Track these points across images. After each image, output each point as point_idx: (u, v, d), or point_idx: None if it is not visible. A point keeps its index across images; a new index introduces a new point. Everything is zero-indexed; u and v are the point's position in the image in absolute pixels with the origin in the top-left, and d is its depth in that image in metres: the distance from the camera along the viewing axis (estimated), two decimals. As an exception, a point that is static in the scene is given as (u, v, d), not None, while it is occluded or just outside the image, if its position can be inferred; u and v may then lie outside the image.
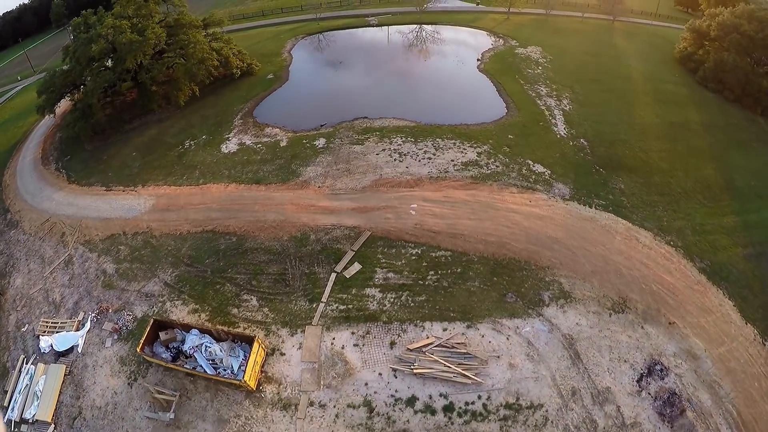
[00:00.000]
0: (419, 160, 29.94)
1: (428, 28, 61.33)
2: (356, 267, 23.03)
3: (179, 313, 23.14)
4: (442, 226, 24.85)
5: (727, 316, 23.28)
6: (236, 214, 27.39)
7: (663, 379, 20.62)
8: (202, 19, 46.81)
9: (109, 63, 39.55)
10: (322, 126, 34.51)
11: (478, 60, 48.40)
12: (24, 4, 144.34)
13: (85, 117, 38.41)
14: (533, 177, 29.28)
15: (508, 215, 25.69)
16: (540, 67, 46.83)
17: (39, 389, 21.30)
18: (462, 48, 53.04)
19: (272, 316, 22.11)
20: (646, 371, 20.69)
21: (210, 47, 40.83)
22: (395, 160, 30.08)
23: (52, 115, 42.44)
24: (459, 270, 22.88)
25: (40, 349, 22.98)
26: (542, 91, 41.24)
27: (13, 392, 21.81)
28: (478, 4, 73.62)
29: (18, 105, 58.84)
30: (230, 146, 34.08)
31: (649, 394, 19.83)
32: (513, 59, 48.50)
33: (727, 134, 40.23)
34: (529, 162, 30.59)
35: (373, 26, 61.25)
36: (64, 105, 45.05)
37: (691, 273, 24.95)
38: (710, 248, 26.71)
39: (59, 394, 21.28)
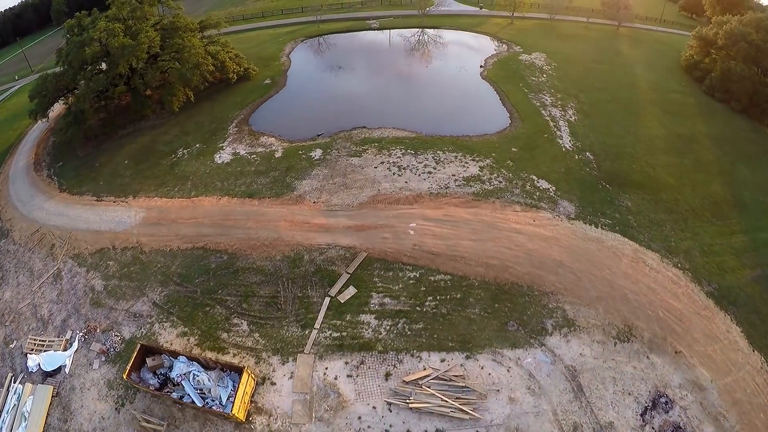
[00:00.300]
0: (419, 175, 28.90)
1: (430, 32, 60.12)
2: (351, 291, 22.04)
3: (167, 335, 22.21)
4: (441, 247, 23.84)
5: (734, 343, 22.32)
6: (228, 230, 26.41)
7: (668, 412, 19.70)
8: (198, 21, 45.68)
9: (104, 66, 38.53)
10: (319, 136, 33.45)
11: (481, 66, 47.25)
12: (25, 1, 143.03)
13: (77, 122, 37.39)
14: (537, 194, 28.24)
15: (511, 236, 24.66)
16: (544, 75, 45.67)
17: (27, 410, 20.61)
18: (465, 53, 51.84)
19: (263, 342, 21.14)
20: (650, 404, 19.76)
21: (205, 51, 39.73)
22: (394, 174, 29.03)
23: (45, 120, 41.46)
24: (459, 296, 21.88)
25: (27, 367, 22.30)
26: (547, 100, 40.11)
27: (0, 411, 21.12)
28: (481, 8, 72.28)
29: (14, 106, 57.77)
30: (224, 156, 33.04)
31: (653, 428, 18.94)
32: (517, 66, 47.32)
33: (734, 146, 39.14)
34: (533, 177, 29.53)
35: (374, 29, 60.06)
36: (58, 108, 44.13)
37: (699, 297, 23.99)
38: (718, 270, 25.74)
39: (47, 416, 20.53)
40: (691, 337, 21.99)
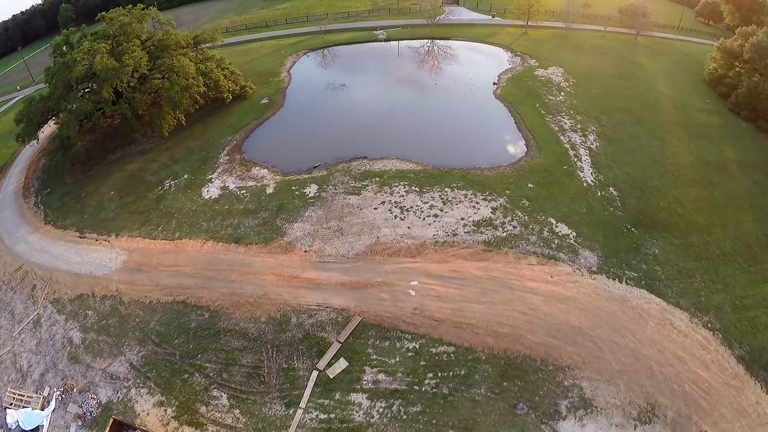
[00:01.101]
0: (423, 218, 26.03)
1: (440, 43, 56.75)
2: (342, 364, 19.35)
3: (144, 404, 19.96)
4: (446, 311, 20.94)
5: (763, 416, 19.38)
6: (211, 282, 23.89)
7: None
8: (193, 36, 43.27)
9: (94, 86, 36.43)
10: (315, 167, 30.74)
11: (494, 83, 43.71)
12: (35, 6, 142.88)
13: (63, 148, 35.34)
14: (556, 241, 25.11)
15: (525, 297, 21.69)
16: (562, 93, 42.25)
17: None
18: (477, 68, 48.26)
19: (243, 420, 18.63)
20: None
21: (197, 71, 37.17)
22: (396, 217, 26.23)
23: (35, 141, 39.67)
24: (463, 372, 19.03)
25: (7, 423, 21.26)
26: (566, 123, 36.80)
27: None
28: (494, 17, 68.61)
29: (10, 120, 56.15)
30: (212, 190, 30.57)
31: None
32: (533, 83, 43.89)
33: (765, 174, 35.38)
34: (552, 221, 26.44)
35: (381, 41, 57.04)
36: (49, 128, 42.39)
37: (729, 364, 20.89)
38: (750, 329, 22.52)
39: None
40: (718, 413, 19.04)
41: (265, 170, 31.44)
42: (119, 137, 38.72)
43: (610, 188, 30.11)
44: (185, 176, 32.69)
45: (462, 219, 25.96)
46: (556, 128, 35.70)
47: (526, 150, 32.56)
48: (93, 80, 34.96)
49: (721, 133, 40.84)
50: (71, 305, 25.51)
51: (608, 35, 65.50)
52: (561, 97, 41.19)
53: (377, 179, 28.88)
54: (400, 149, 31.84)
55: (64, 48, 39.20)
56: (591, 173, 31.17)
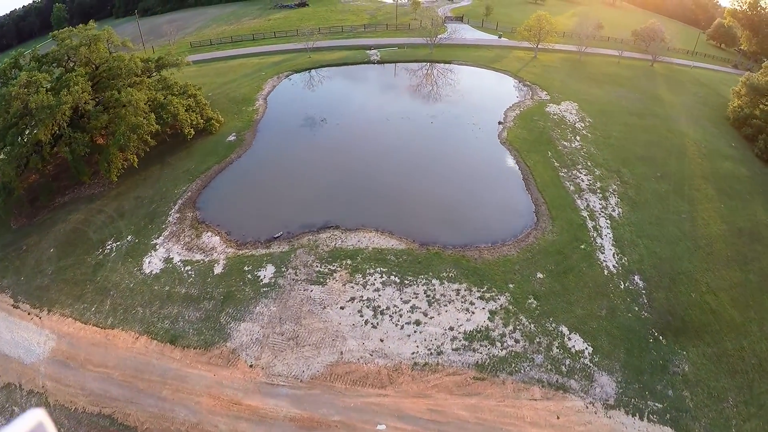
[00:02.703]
0: (402, 326, 19.75)
1: (440, 67, 50.21)
2: None
3: None
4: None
5: None
6: (140, 396, 17.80)
7: None
8: (156, 58, 36.93)
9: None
10: (276, 238, 24.44)
11: (500, 123, 37.14)
12: (31, 3, 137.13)
13: (6, 192, 29.32)
14: (568, 362, 18.87)
15: (528, 461, 15.64)
16: (578, 137, 35.85)
17: None
18: (480, 101, 41.65)
19: None
20: None
21: (152, 104, 30.99)
22: (367, 322, 19.94)
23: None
24: None
25: None
26: (583, 180, 30.44)
27: None
28: (500, 37, 62.11)
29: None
30: (154, 263, 24.29)
31: None
32: (544, 123, 37.44)
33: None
34: (564, 330, 20.20)
35: (374, 63, 50.55)
36: None
37: None
38: None
39: None
40: None
41: (217, 238, 25.11)
42: (71, 175, 32.55)
43: (635, 276, 23.91)
44: (129, 238, 26.53)
45: (451, 329, 19.69)
46: (571, 187, 29.35)
47: (535, 220, 26.16)
48: (31, 118, 28.69)
49: (750, 187, 35.06)
50: None
51: (623, 61, 59.11)
52: (576, 143, 34.80)
53: (349, 262, 22.55)
54: (380, 217, 25.35)
55: (9, 73, 32.78)
56: (613, 254, 24.91)
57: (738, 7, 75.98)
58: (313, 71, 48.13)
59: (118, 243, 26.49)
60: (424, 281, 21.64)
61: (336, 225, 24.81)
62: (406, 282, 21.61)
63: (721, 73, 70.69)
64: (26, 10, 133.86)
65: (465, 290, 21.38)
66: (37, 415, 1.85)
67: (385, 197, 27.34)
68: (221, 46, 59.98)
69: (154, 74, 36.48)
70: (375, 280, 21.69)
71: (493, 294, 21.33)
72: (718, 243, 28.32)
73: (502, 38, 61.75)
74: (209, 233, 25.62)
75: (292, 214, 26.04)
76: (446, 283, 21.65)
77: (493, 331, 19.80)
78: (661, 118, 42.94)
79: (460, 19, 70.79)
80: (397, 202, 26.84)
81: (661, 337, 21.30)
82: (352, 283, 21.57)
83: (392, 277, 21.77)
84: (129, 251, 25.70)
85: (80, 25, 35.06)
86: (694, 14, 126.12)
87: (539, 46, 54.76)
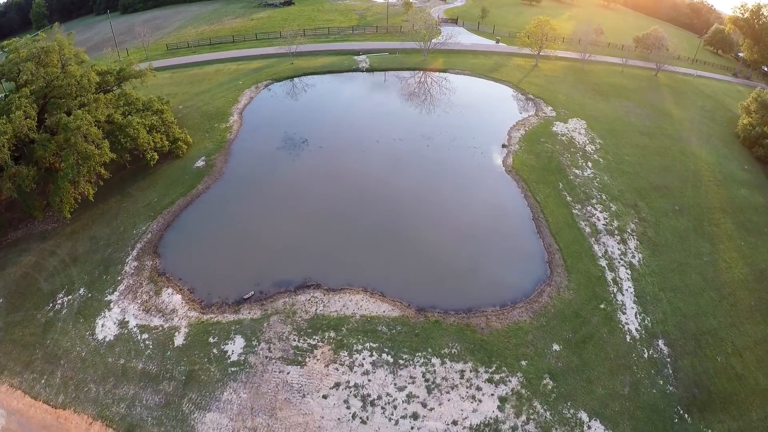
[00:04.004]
0: (396, 422, 16.08)
1: (435, 76, 46.09)
2: None
3: None
4: None
5: None
6: None
7: None
8: (117, 70, 32.06)
9: None
10: (246, 299, 20.53)
11: (504, 146, 33.24)
12: (10, 0, 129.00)
13: None
14: (594, 464, 15.79)
15: None
16: (590, 163, 32.38)
17: None
18: (481, 119, 37.66)
19: None
20: None
21: (106, 129, 26.47)
22: (354, 416, 16.25)
23: None
24: None
25: None
26: (599, 219, 26.98)
27: None
28: (498, 41, 58.12)
29: None
30: (108, 327, 20.11)
31: None
32: (552, 146, 33.75)
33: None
34: (583, 417, 16.87)
35: (363, 71, 46.18)
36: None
37: None
38: None
39: None
40: None
41: (179, 297, 21.03)
42: (22, 210, 27.97)
43: (659, 341, 20.94)
44: (81, 291, 22.34)
45: (455, 423, 16.18)
46: (587, 229, 25.92)
47: (549, 272, 22.65)
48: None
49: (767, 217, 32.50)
50: None
51: (627, 70, 55.86)
52: (589, 171, 31.37)
53: (332, 335, 18.77)
54: (369, 273, 21.43)
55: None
56: (636, 314, 21.75)
57: (739, 15, 73.13)
58: (295, 80, 43.48)
59: (70, 297, 22.33)
60: (422, 360, 18.03)
61: (316, 283, 20.90)
62: (401, 362, 17.96)
63: (723, 83, 68.30)
64: (6, 6, 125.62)
65: (470, 371, 17.86)
66: None
67: (374, 247, 23.26)
68: (199, 49, 54.73)
69: (115, 88, 31.72)
70: (364, 359, 18.00)
71: (504, 375, 17.86)
72: (741, 290, 25.95)
73: (500, 43, 57.80)
74: (170, 289, 21.52)
75: (265, 266, 22.02)
76: (448, 362, 18.08)
77: (504, 423, 16.37)
78: (672, 138, 39.88)
79: (454, 21, 66.49)
80: (388, 253, 22.81)
81: (686, 415, 18.66)
82: (336, 363, 17.84)
83: (384, 356, 18.10)
84: (81, 309, 21.59)
85: (26, 35, 30.07)
86: (689, 18, 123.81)
87: (540, 53, 51.04)
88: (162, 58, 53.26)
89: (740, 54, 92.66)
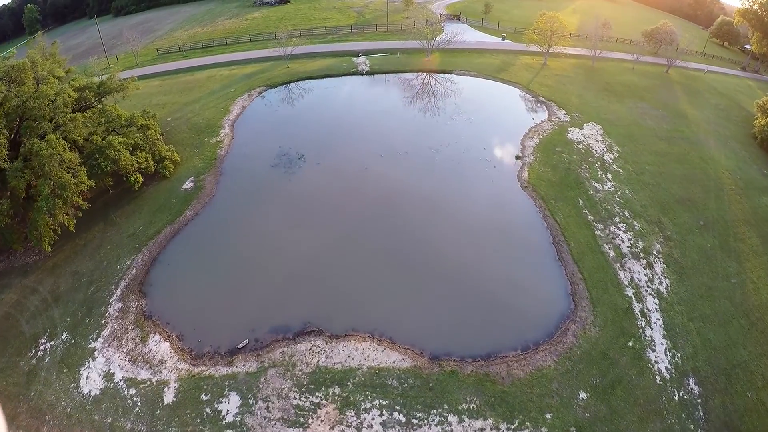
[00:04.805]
0: (412, 500, 14.39)
1: (440, 78, 43.46)
2: None
3: None
4: None
5: None
6: None
7: None
8: (97, 85, 29.52)
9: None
10: (240, 348, 18.40)
11: (517, 158, 30.69)
12: (5, 5, 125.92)
13: None
14: None
15: None
16: (609, 174, 30.06)
17: None
18: (491, 126, 35.08)
19: None
20: None
21: (82, 154, 24.08)
22: (364, 494, 14.51)
23: None
24: None
25: None
26: (623, 240, 24.75)
27: None
28: (504, 39, 55.24)
29: None
30: (93, 379, 17.97)
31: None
32: (569, 156, 31.34)
33: None
34: (623, 488, 15.14)
35: (363, 74, 43.55)
36: None
37: None
38: None
39: None
40: None
41: (167, 345, 18.93)
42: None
43: (690, 379, 19.09)
44: (64, 336, 20.30)
45: (480, 499, 14.24)
46: (612, 253, 23.75)
47: (572, 307, 20.54)
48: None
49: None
50: None
51: (637, 67, 53.18)
52: (609, 184, 29.09)
53: (337, 391, 16.71)
54: (375, 316, 19.23)
55: None
56: (665, 350, 19.88)
57: (749, 7, 70.05)
58: (291, 85, 40.84)
59: (53, 342, 20.31)
60: (438, 419, 16.00)
61: (318, 329, 18.76)
62: (414, 421, 15.93)
63: (733, 78, 65.71)
64: (0, 10, 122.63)
65: (491, 429, 15.85)
66: None
67: (380, 285, 20.93)
68: (191, 53, 51.89)
69: (96, 104, 29.24)
70: (373, 419, 15.96)
71: (527, 429, 15.89)
72: (769, 311, 23.80)
73: (506, 40, 54.96)
74: (157, 336, 19.42)
75: (260, 308, 19.85)
76: (467, 419, 16.05)
77: (532, 501, 14.44)
78: (690, 142, 37.52)
79: (457, 17, 63.35)
80: (396, 291, 20.52)
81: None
82: (342, 424, 15.81)
83: (396, 414, 16.07)
84: (64, 356, 19.59)
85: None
86: (691, 9, 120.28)
87: (549, 51, 48.31)
88: (152, 64, 50.60)
89: (746, 47, 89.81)
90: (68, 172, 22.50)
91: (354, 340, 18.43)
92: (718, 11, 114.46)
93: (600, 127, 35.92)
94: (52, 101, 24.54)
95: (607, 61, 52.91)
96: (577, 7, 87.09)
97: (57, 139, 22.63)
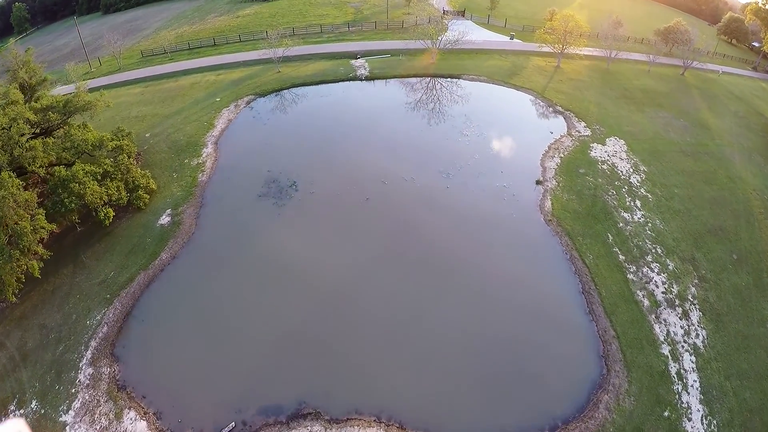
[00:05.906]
0: None
1: (446, 84, 39.87)
2: None
3: None
4: None
5: None
6: None
7: None
8: (63, 103, 25.91)
9: None
10: (226, 433, 15.85)
11: (538, 183, 27.33)
12: None
13: None
14: None
15: None
16: (638, 201, 27.09)
17: None
18: (506, 143, 31.69)
19: None
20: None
21: (42, 189, 20.95)
22: None
23: None
24: None
25: None
26: (657, 285, 21.94)
27: None
28: (512, 38, 51.50)
29: None
30: None
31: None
32: (594, 179, 28.26)
33: None
34: None
35: (361, 79, 39.92)
36: None
37: None
38: None
39: None
40: None
41: (143, 425, 16.12)
42: None
43: (731, 454, 16.49)
44: (33, 404, 17.59)
45: None
46: (646, 302, 21.01)
47: (605, 372, 17.87)
48: None
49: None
50: None
51: (653, 69, 49.83)
52: (639, 213, 26.18)
53: (339, 495, 14.11)
54: (382, 393, 16.48)
55: None
56: (701, 418, 17.54)
57: (761, 5, 66.54)
58: (282, 93, 37.23)
59: (22, 411, 17.56)
60: None
61: (315, 410, 15.97)
62: None
63: (747, 80, 62.65)
64: None
65: None
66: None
67: (388, 356, 17.92)
68: (176, 55, 47.82)
69: (61, 126, 25.76)
70: None
71: None
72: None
73: (515, 39, 51.26)
74: (132, 412, 16.60)
75: (249, 382, 16.99)
76: None
77: None
78: (715, 158, 34.63)
79: (461, 13, 59.25)
80: (406, 365, 17.54)
81: None
82: None
83: None
84: (35, 425, 16.86)
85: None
86: (696, 4, 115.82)
87: (563, 51, 44.76)
88: (135, 68, 46.65)
89: (755, 44, 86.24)
90: (25, 217, 19.31)
91: (358, 425, 15.67)
92: (723, 7, 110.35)
93: (623, 142, 32.85)
94: (6, 129, 21.15)
95: (621, 63, 49.50)
96: (584, 2, 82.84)
97: (10, 177, 19.36)
